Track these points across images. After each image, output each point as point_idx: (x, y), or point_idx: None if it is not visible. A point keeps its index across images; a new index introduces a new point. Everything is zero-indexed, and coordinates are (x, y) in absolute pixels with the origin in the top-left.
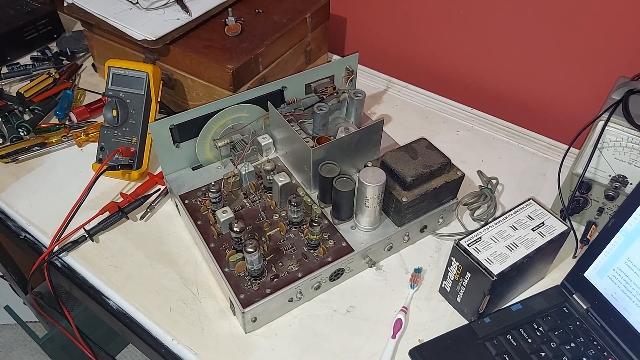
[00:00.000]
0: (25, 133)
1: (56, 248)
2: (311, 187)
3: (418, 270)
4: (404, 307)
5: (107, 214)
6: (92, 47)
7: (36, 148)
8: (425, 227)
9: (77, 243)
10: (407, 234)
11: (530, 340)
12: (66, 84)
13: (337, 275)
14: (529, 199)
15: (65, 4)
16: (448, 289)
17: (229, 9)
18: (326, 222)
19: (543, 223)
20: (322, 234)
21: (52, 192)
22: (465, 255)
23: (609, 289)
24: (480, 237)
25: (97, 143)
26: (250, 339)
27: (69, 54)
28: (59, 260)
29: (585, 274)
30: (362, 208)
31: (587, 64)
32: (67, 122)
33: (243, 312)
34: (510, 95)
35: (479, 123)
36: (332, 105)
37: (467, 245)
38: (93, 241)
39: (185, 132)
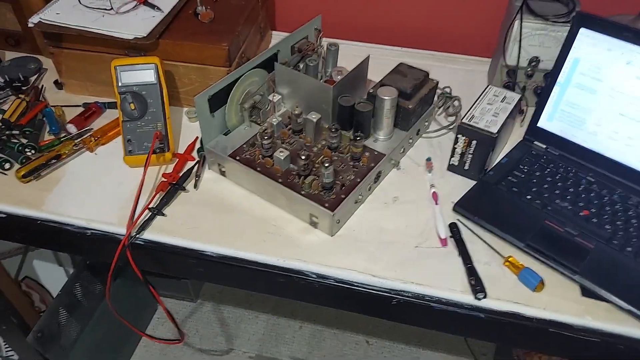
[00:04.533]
0: (33, 152)
1: (134, 232)
2: (330, 119)
3: (429, 159)
4: (431, 185)
5: (161, 193)
6: (58, 63)
7: (53, 161)
8: (419, 130)
9: (149, 220)
10: (410, 137)
11: (523, 175)
12: (42, 103)
13: (377, 177)
14: (487, 86)
15: (30, 24)
16: (456, 163)
17: (198, 0)
18: None
19: (505, 96)
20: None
21: (93, 192)
22: (469, 128)
23: (557, 127)
24: (473, 115)
25: (106, 145)
26: (338, 240)
27: (22, 79)
28: (140, 240)
29: (538, 125)
30: (381, 122)
31: None
32: (65, 135)
33: (333, 215)
34: (427, 29)
35: (411, 57)
36: (316, 58)
37: (468, 121)
38: (164, 215)
39: (216, 102)
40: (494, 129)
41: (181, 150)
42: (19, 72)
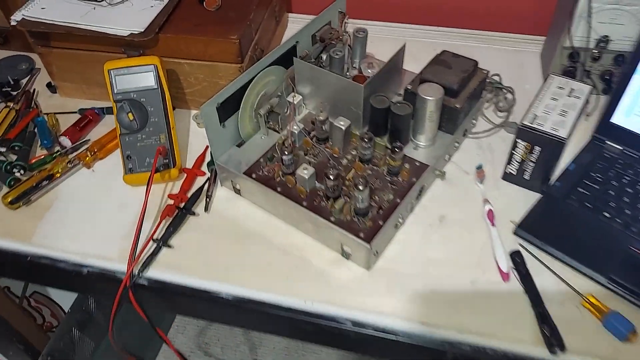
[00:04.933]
0: (22, 172)
1: (136, 270)
2: (361, 124)
3: (480, 167)
4: (485, 199)
5: (167, 219)
6: (49, 64)
7: (44, 183)
8: (466, 130)
9: (154, 255)
10: (456, 140)
11: (596, 186)
12: (33, 112)
13: (420, 193)
14: (549, 75)
15: (12, 22)
16: (514, 172)
17: None
18: None
19: (572, 89)
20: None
21: (89, 218)
22: (532, 131)
23: (638, 124)
24: (535, 115)
25: (105, 160)
26: (375, 275)
27: (12, 82)
28: (144, 279)
29: (612, 120)
30: (423, 125)
31: None
32: (59, 149)
33: (369, 248)
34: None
35: (448, 37)
36: (341, 48)
37: (530, 123)
38: (170, 247)
39: (227, 109)
40: (564, 133)
41: (189, 163)
42: (9, 74)
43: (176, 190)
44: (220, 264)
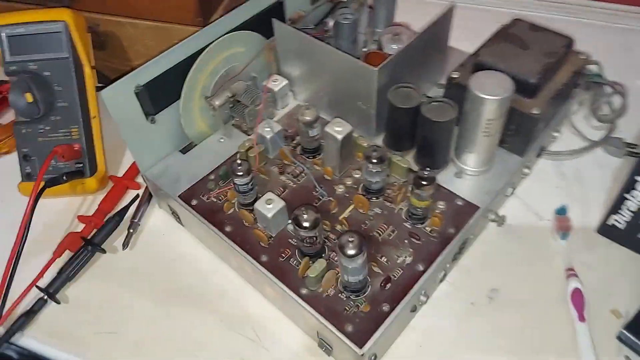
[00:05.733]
0: None
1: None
2: (372, 131)
3: (562, 211)
4: (569, 269)
5: (66, 254)
6: None
7: None
8: (542, 149)
9: (32, 313)
10: (527, 164)
11: None
12: None
13: (460, 251)
14: None
15: None
16: (622, 225)
17: None
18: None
19: None
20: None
21: None
22: None
23: None
24: None
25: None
26: None
27: None
28: (13, 347)
29: None
30: (475, 140)
31: None
32: None
33: (362, 354)
34: None
35: (522, 5)
36: (355, 10)
37: None
38: (58, 303)
39: (160, 96)
40: None
41: (120, 169)
42: None
43: (91, 213)
44: (130, 337)
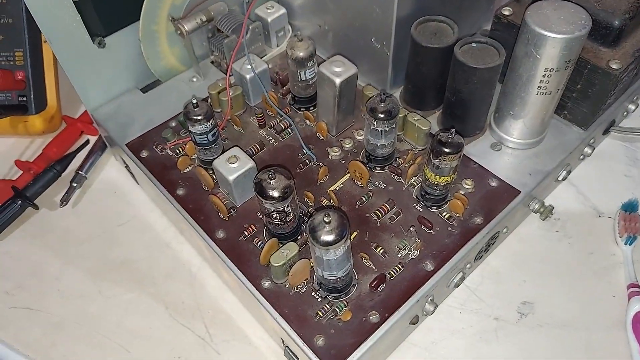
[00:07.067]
0: None
1: None
2: (388, 79)
3: (631, 207)
4: (633, 284)
5: None
6: None
7: None
8: (613, 122)
9: None
10: (590, 140)
11: None
12: None
13: (488, 247)
14: None
15: None
16: None
17: None
18: None
19: None
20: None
21: None
22: None
23: None
24: None
25: None
26: None
27: None
28: None
29: None
30: (527, 99)
31: None
32: None
33: None
34: None
35: None
36: None
37: None
38: None
39: (111, 11)
40: None
41: (81, 110)
42: None
43: (34, 158)
44: (49, 317)
